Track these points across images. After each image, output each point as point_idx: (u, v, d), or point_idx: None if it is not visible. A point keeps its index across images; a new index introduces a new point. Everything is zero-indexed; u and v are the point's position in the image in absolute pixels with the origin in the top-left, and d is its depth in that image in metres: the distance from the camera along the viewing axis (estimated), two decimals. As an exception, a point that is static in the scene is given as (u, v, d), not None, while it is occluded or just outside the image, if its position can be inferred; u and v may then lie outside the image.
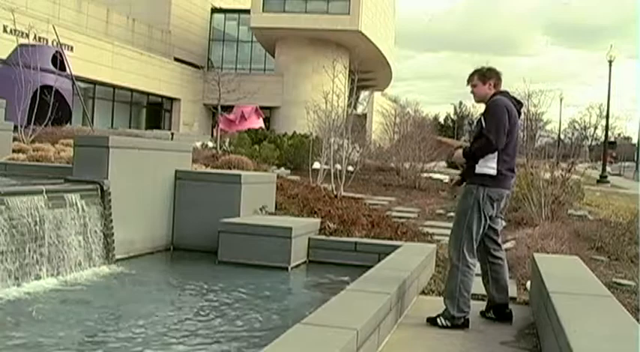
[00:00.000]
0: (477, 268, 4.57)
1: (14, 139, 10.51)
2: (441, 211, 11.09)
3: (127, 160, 6.86)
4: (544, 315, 4.05)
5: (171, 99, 37.54)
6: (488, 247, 4.60)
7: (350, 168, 12.83)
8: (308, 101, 17.20)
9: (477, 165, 4.44)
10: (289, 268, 6.72)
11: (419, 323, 4.50)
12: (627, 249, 7.51)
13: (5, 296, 4.99)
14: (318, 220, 7.72)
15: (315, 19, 35.28)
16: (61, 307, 4.96)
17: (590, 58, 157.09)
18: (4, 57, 17.84)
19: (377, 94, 44.62)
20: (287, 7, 35.94)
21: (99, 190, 6.45)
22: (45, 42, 22.73)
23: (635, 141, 60.11)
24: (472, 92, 4.65)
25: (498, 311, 4.70)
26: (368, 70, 34.08)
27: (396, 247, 6.44)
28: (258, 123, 29.45)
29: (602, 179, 27.32)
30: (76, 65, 22.03)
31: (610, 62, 29.89)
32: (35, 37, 21.59)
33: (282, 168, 15.10)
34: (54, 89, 14.09)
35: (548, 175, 10.54)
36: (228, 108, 27.01)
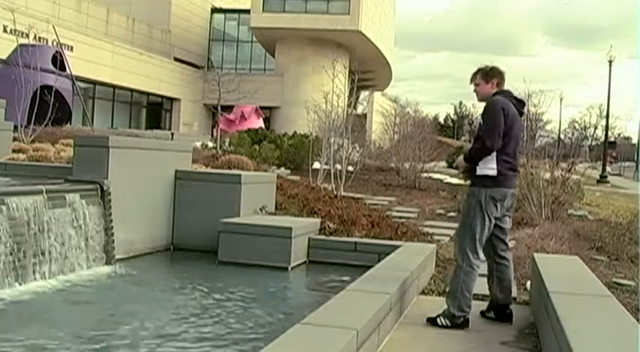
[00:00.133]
0: (482, 269, 4.57)
1: (14, 139, 10.51)
2: (441, 211, 11.09)
3: (127, 160, 6.86)
4: (544, 315, 4.05)
5: (171, 99, 37.56)
6: (496, 247, 4.61)
7: (350, 168, 12.83)
8: (308, 101, 17.19)
9: (477, 167, 4.47)
10: (289, 268, 6.72)
11: (419, 323, 4.50)
12: (627, 249, 7.51)
13: (5, 296, 4.98)
14: (318, 220, 7.72)
15: (315, 19, 35.29)
16: (61, 307, 4.96)
17: (590, 58, 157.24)
18: (4, 57, 17.85)
19: (377, 94, 44.64)
20: (287, 7, 35.95)
21: (99, 190, 6.45)
22: (45, 42, 22.74)
23: (635, 141, 60.13)
24: (475, 91, 4.66)
25: (499, 312, 4.70)
26: (368, 70, 34.09)
27: (396, 247, 6.44)
28: (258, 123, 29.46)
29: (602, 179, 27.33)
30: (76, 65, 22.04)
31: (610, 62, 29.91)
32: (35, 37, 21.60)
33: (282, 168, 15.10)
34: (54, 89, 14.09)
35: (548, 175, 10.55)
36: (228, 108, 27.01)
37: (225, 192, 7.60)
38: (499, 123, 4.37)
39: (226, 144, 17.10)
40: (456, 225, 9.50)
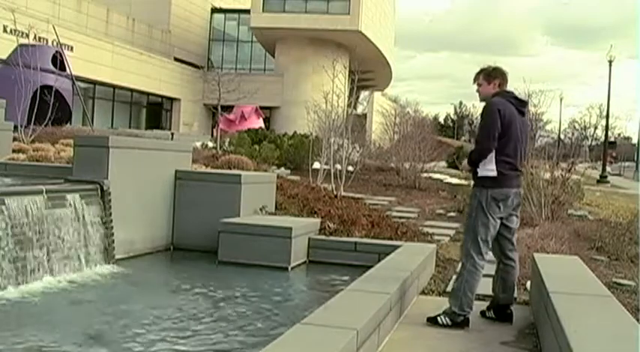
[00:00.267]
0: (486, 270, 4.58)
1: (14, 139, 10.51)
2: (441, 211, 11.09)
3: (127, 160, 6.86)
4: (544, 315, 4.06)
5: (171, 99, 37.56)
6: (503, 247, 4.62)
7: (350, 168, 12.82)
8: (308, 101, 17.19)
9: (478, 169, 4.50)
10: (289, 268, 6.72)
11: (419, 323, 4.50)
12: (627, 249, 7.51)
13: (5, 296, 4.98)
14: (318, 220, 7.72)
15: (315, 19, 35.29)
16: (61, 307, 4.96)
17: (590, 58, 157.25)
18: (4, 57, 17.85)
19: (377, 94, 44.65)
20: (287, 7, 35.95)
21: (99, 190, 6.45)
22: (45, 42, 22.74)
23: (635, 141, 60.16)
24: (477, 91, 4.68)
25: (499, 311, 4.70)
26: (368, 70, 34.10)
27: (396, 247, 6.44)
28: (258, 123, 29.46)
29: (602, 179, 27.34)
30: (76, 65, 22.04)
31: (610, 62, 29.91)
32: (35, 37, 21.60)
33: (282, 168, 15.10)
34: (54, 89, 14.09)
35: (548, 175, 10.55)
36: (228, 108, 27.01)
37: (225, 192, 7.60)
38: (493, 124, 4.40)
39: (226, 144, 17.09)
40: (455, 225, 9.56)
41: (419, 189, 14.47)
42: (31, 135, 11.95)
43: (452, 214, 10.76)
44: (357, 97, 26.95)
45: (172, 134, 23.33)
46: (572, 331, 3.03)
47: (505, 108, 4.45)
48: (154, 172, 7.43)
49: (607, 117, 31.36)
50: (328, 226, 7.58)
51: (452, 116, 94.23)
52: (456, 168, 19.78)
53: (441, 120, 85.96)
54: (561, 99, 38.38)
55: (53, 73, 17.37)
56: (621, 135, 68.50)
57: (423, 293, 5.50)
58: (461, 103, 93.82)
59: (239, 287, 5.76)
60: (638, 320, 3.71)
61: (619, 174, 44.14)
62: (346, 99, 15.16)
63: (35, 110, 13.31)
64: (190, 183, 7.73)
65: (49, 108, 13.38)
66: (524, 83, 11.36)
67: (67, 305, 5.04)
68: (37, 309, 4.84)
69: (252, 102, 28.42)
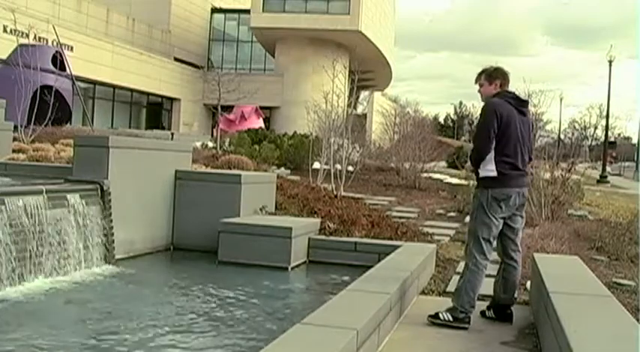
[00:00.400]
0: (488, 270, 4.59)
1: (14, 139, 10.51)
2: (441, 211, 11.09)
3: (127, 160, 6.86)
4: (544, 315, 4.06)
5: (171, 99, 37.57)
6: (506, 247, 4.63)
7: (350, 168, 12.82)
8: (308, 101, 17.18)
9: (479, 170, 4.52)
10: (289, 268, 6.72)
11: (419, 323, 4.50)
12: (627, 249, 7.51)
13: (5, 296, 4.98)
14: (318, 220, 7.72)
15: (315, 19, 35.30)
16: (61, 307, 4.96)
17: (590, 58, 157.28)
18: (4, 57, 17.85)
19: (377, 94, 44.65)
20: (287, 7, 35.96)
21: (99, 190, 6.45)
22: (45, 42, 22.74)
23: (635, 141, 60.17)
24: (479, 92, 4.68)
25: (499, 311, 4.71)
26: (368, 70, 34.10)
27: (396, 247, 6.43)
28: (258, 123, 29.46)
29: (602, 179, 27.34)
30: (76, 65, 22.04)
31: (610, 62, 29.92)
32: (35, 37, 21.60)
33: (282, 168, 15.10)
34: (54, 89, 14.09)
35: (548, 175, 10.55)
36: (228, 108, 27.01)
37: (225, 192, 7.60)
38: (489, 125, 4.42)
39: (226, 144, 17.09)
40: (456, 224, 9.57)
41: (419, 189, 14.46)
42: (31, 135, 11.95)
43: (452, 214, 10.76)
44: (357, 97, 26.94)
45: (172, 134, 23.34)
46: (572, 331, 3.03)
47: (503, 109, 4.45)
48: (154, 172, 7.43)
49: (607, 117, 31.38)
50: (328, 226, 7.58)
51: (452, 116, 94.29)
52: (456, 168, 19.77)
53: (441, 120, 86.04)
54: (561, 99, 38.41)
55: (53, 73, 17.37)
56: (621, 135, 68.54)
57: (423, 293, 5.50)
58: (461, 103, 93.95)
59: (239, 288, 5.76)
60: (638, 320, 3.71)
61: (619, 174, 44.14)
62: (346, 99, 15.16)
63: (35, 110, 13.31)
64: (190, 183, 7.73)
65: (49, 108, 13.38)
66: (524, 83, 11.36)
67: (67, 305, 5.05)
68: (37, 309, 4.83)
69: (252, 102, 28.42)
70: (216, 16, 42.98)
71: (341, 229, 7.53)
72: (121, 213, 6.65)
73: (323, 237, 7.34)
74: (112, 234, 6.49)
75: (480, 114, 4.58)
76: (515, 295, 4.75)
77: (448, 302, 4.63)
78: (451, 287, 5.49)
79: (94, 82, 30.12)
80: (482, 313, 4.75)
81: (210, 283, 5.88)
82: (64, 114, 16.97)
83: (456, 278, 5.76)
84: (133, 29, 36.02)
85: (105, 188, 6.48)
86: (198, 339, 4.23)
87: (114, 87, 32.12)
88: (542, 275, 4.49)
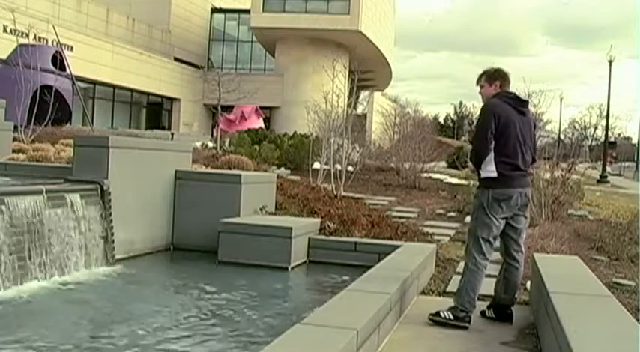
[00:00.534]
0: (489, 270, 4.60)
1: (14, 139, 10.51)
2: (441, 211, 11.08)
3: (127, 160, 6.86)
4: (544, 315, 4.06)
5: (171, 99, 37.57)
6: (508, 247, 4.63)
7: (350, 168, 12.82)
8: (308, 101, 17.18)
9: (480, 170, 4.54)
10: (289, 268, 6.72)
11: (419, 323, 4.50)
12: (627, 249, 7.51)
13: (5, 296, 4.98)
14: (318, 220, 7.71)
15: (315, 19, 35.30)
16: (61, 307, 4.96)
17: (590, 58, 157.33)
18: (4, 57, 17.85)
19: (377, 94, 44.64)
20: (287, 7, 35.96)
21: (99, 190, 6.45)
22: (45, 42, 22.74)
23: (635, 141, 60.17)
24: (480, 93, 4.70)
25: (499, 311, 4.71)
26: (368, 70, 34.10)
27: (396, 247, 6.43)
28: (258, 123, 29.46)
29: (602, 179, 27.34)
30: (76, 65, 22.04)
31: (610, 62, 29.92)
32: (35, 37, 21.60)
33: (282, 168, 15.10)
34: (54, 89, 14.08)
35: (548, 175, 10.54)
36: (228, 108, 27.01)
37: (225, 192, 7.60)
38: (486, 125, 4.44)
39: (226, 144, 17.09)
40: (456, 224, 9.57)
41: (419, 189, 14.46)
42: (31, 135, 11.95)
43: (452, 214, 10.76)
44: (357, 97, 26.94)
45: (172, 134, 23.34)
46: (572, 331, 3.03)
47: (500, 109, 4.46)
48: (154, 172, 7.43)
49: (607, 117, 31.37)
50: (328, 226, 7.58)
51: (452, 116, 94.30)
52: (456, 168, 19.78)
53: (441, 120, 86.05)
54: (561, 99, 38.39)
55: (53, 73, 17.37)
56: (621, 135, 68.52)
57: (423, 293, 5.50)
58: (461, 103, 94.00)
59: (239, 288, 5.76)
60: (638, 320, 3.71)
61: (619, 174, 44.14)
62: (346, 99, 15.16)
63: (35, 110, 13.30)
64: (190, 183, 7.73)
65: (49, 108, 13.38)
66: (524, 83, 11.36)
67: (67, 305, 5.05)
68: (37, 309, 4.84)
69: (252, 102, 28.41)
70: (216, 16, 42.99)
71: (341, 229, 7.53)
72: (121, 213, 6.65)
73: (323, 237, 7.34)
74: (112, 234, 6.49)
75: (479, 116, 4.61)
76: (516, 295, 4.75)
77: (448, 302, 4.64)
78: (451, 287, 5.50)
79: (94, 82, 30.12)
80: (483, 313, 4.75)
81: (210, 283, 5.88)
82: (64, 114, 16.97)
83: (456, 278, 5.76)
84: (133, 29, 36.02)
85: (105, 188, 6.48)
86: (198, 339, 4.23)
87: (114, 87, 32.12)
88: (542, 275, 4.49)
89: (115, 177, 6.61)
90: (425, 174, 16.27)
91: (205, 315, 4.82)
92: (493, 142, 4.44)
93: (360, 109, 31.94)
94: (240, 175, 7.82)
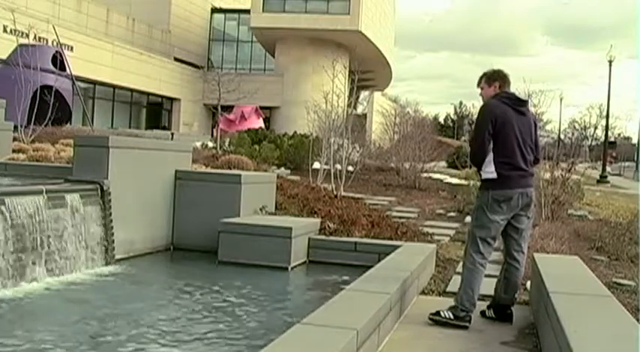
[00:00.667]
0: (489, 270, 4.61)
1: (14, 139, 10.51)
2: (441, 211, 11.09)
3: (127, 160, 6.86)
4: (544, 315, 4.06)
5: (171, 99, 37.57)
6: (509, 247, 4.64)
7: (350, 168, 12.82)
8: (308, 101, 17.19)
9: (481, 171, 4.56)
10: (289, 268, 6.72)
11: (419, 323, 4.50)
12: (627, 249, 7.51)
13: (5, 296, 4.98)
14: (318, 220, 7.71)
15: (315, 19, 35.30)
16: (61, 307, 4.96)
17: (590, 58, 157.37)
18: (4, 57, 17.85)
19: (377, 94, 44.66)
20: (287, 7, 35.96)
21: (99, 190, 6.45)
22: (45, 42, 22.74)
23: (635, 141, 60.17)
24: (480, 95, 4.72)
25: (499, 311, 4.71)
26: (368, 70, 34.10)
27: (396, 247, 6.43)
28: (258, 123, 29.47)
29: (602, 179, 27.35)
30: (76, 65, 22.04)
31: (610, 62, 29.93)
32: (35, 37, 21.60)
33: (282, 168, 15.10)
34: (54, 89, 14.08)
35: (548, 175, 10.54)
36: (228, 108, 27.01)
37: (225, 192, 7.60)
38: (482, 126, 4.46)
39: (226, 144, 17.09)
40: (456, 224, 9.57)
41: (419, 189, 14.47)
42: (31, 135, 11.94)
43: (452, 214, 10.76)
44: (357, 97, 26.95)
45: (172, 134, 23.34)
46: (572, 331, 3.03)
47: (498, 109, 4.46)
48: (154, 172, 7.43)
49: (607, 117, 31.39)
50: (328, 226, 7.58)
51: (452, 116, 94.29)
52: (456, 168, 19.78)
53: (441, 120, 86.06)
54: (561, 99, 38.44)
55: (53, 73, 17.37)
56: (621, 135, 68.56)
57: (423, 293, 5.50)
58: (461, 103, 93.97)
59: (239, 288, 5.76)
60: (638, 320, 3.71)
61: (619, 174, 44.14)
62: (346, 99, 15.16)
63: (35, 110, 13.30)
64: (190, 183, 7.73)
65: (49, 108, 13.38)
66: (524, 83, 11.37)
67: (67, 305, 5.04)
68: (37, 309, 4.83)
69: (252, 102, 28.42)
70: (216, 16, 42.98)
71: (341, 229, 7.53)
72: (121, 213, 6.65)
73: (323, 237, 7.34)
74: (112, 234, 6.49)
75: (477, 117, 4.65)
76: (516, 295, 4.75)
77: (448, 302, 4.64)
78: (451, 287, 5.50)
79: (94, 82, 30.12)
80: (483, 313, 4.75)
81: (210, 283, 5.88)
82: (64, 114, 16.97)
83: (456, 278, 5.76)
84: (133, 29, 36.02)
85: (105, 188, 6.48)
86: (199, 339, 4.23)
87: (114, 87, 32.12)
88: (542, 275, 4.49)
89: (115, 177, 6.61)
90: (425, 174, 16.28)
91: (205, 315, 4.82)
92: (491, 143, 4.44)
93: (360, 109, 31.98)
94: (240, 175, 7.82)
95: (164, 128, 33.39)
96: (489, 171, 4.47)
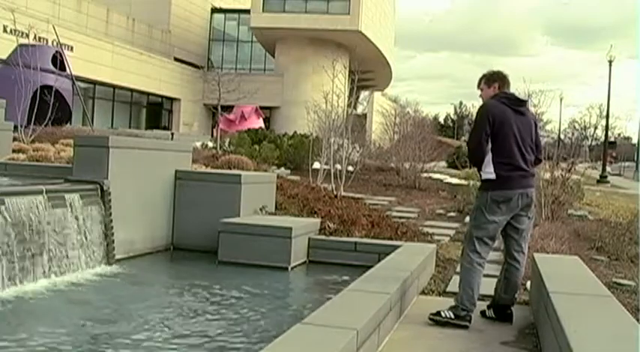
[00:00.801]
0: (489, 270, 4.62)
1: (14, 139, 10.51)
2: (441, 211, 11.09)
3: (127, 160, 6.86)
4: (544, 315, 4.06)
5: (171, 99, 37.57)
6: (510, 247, 4.65)
7: (350, 168, 12.82)
8: (308, 101, 17.19)
9: (481, 172, 4.56)
10: (289, 268, 6.72)
11: (419, 323, 4.50)
12: (627, 249, 7.51)
13: (5, 296, 4.98)
14: (318, 220, 7.71)
15: (315, 19, 35.30)
16: (61, 307, 4.96)
17: (590, 58, 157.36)
18: (4, 57, 17.85)
19: (377, 94, 44.65)
20: (287, 7, 35.97)
21: (99, 190, 6.45)
22: (45, 42, 22.75)
23: (635, 141, 60.17)
24: (480, 96, 4.73)
25: (499, 311, 4.71)
26: (368, 70, 34.10)
27: (396, 247, 6.43)
28: (258, 123, 29.47)
29: (602, 179, 27.35)
30: (76, 65, 22.04)
31: (610, 62, 29.93)
32: (35, 37, 21.61)
33: (282, 168, 15.10)
34: (54, 89, 14.09)
35: (548, 175, 10.54)
36: (228, 108, 27.01)
37: (225, 192, 7.60)
38: (479, 127, 4.47)
39: (226, 144, 17.09)
40: (456, 224, 9.57)
41: (419, 189, 14.47)
42: (31, 135, 11.95)
43: (452, 214, 10.76)
44: (357, 97, 26.95)
45: (172, 134, 23.35)
46: (572, 331, 3.03)
47: (495, 109, 4.46)
48: (154, 172, 7.43)
49: (607, 117, 31.38)
50: (328, 226, 7.58)
51: (452, 116, 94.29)
52: (456, 168, 19.78)
53: (441, 120, 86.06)
54: (561, 99, 38.42)
55: (53, 73, 17.38)
56: (621, 135, 68.54)
57: (423, 293, 5.50)
58: (461, 103, 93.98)
59: (239, 288, 5.76)
60: (638, 320, 3.71)
61: (619, 174, 44.14)
62: (346, 99, 15.16)
63: (35, 110, 13.31)
64: (190, 183, 7.73)
65: (49, 108, 13.38)
66: (524, 83, 11.37)
67: (67, 305, 5.04)
68: (37, 309, 4.83)
69: (252, 102, 28.42)
70: (216, 16, 42.98)
71: (341, 229, 7.53)
72: (121, 213, 6.65)
73: (323, 237, 7.34)
74: (112, 234, 6.49)
75: (475, 117, 4.67)
76: (516, 295, 4.75)
77: (448, 302, 4.64)
78: (451, 287, 5.50)
79: (94, 82, 30.12)
80: (483, 313, 4.76)
81: (210, 283, 5.88)
82: (64, 114, 16.97)
83: (456, 278, 5.75)
84: (133, 29, 36.02)
85: (105, 188, 6.48)
86: (199, 339, 4.23)
87: (114, 87, 32.12)
88: (542, 275, 4.49)
89: (115, 177, 6.61)
90: (425, 174, 16.28)
91: (205, 315, 4.82)
92: (489, 143, 4.44)
93: (360, 109, 31.98)
94: (240, 175, 7.82)
95: (164, 128, 33.39)
96: (489, 171, 4.47)
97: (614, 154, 56.26)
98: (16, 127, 11.20)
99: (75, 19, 30.96)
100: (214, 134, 26.14)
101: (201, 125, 38.08)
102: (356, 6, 35.18)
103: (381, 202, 11.83)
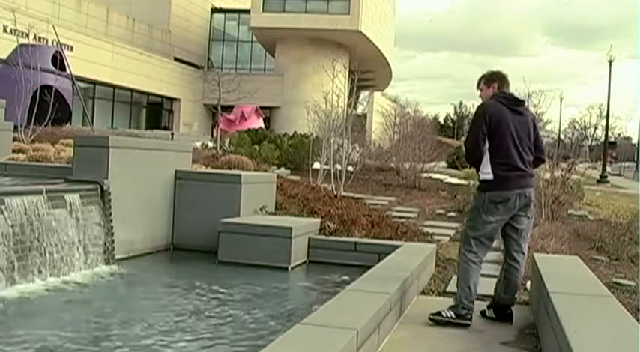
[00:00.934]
0: (489, 270, 4.62)
1: (14, 139, 10.51)
2: (441, 211, 11.09)
3: (127, 160, 6.86)
4: (544, 315, 4.06)
5: (171, 99, 37.57)
6: (509, 248, 4.65)
7: (350, 168, 12.82)
8: (308, 101, 17.19)
9: (479, 173, 4.56)
10: (289, 268, 6.72)
11: (419, 323, 4.50)
12: (627, 249, 7.51)
13: (5, 296, 4.98)
14: (318, 220, 7.72)
15: (315, 19, 35.30)
16: (61, 307, 4.96)
17: (590, 58, 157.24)
18: (4, 57, 17.85)
19: (377, 94, 44.65)
20: (287, 7, 35.97)
21: (99, 190, 6.45)
22: (45, 42, 22.75)
23: (635, 141, 60.18)
24: (480, 96, 4.73)
25: (499, 311, 4.71)
26: (368, 70, 34.11)
27: (396, 247, 6.43)
28: (258, 123, 29.47)
29: (602, 179, 27.36)
30: (76, 65, 22.04)
31: (610, 62, 29.94)
32: (35, 37, 21.61)
33: (282, 168, 15.09)
34: (54, 89, 14.09)
35: (548, 175, 10.54)
36: (228, 108, 27.01)
37: (225, 192, 7.60)
38: (476, 127, 4.48)
39: (226, 144, 17.09)
40: (456, 224, 9.57)
41: (419, 189, 14.46)
42: (31, 135, 11.95)
43: (452, 214, 10.76)
44: (357, 97, 26.97)
45: (172, 134, 23.35)
46: (572, 331, 3.03)
47: (493, 109, 4.47)
48: (154, 172, 7.43)
49: (607, 117, 31.42)
50: (328, 226, 7.58)
51: (452, 116, 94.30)
52: (456, 168, 19.78)
53: (441, 120, 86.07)
54: (561, 99, 38.47)
55: (53, 73, 17.38)
56: (621, 135, 68.63)
57: (423, 293, 5.50)
58: (461, 103, 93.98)
59: (239, 288, 5.76)
60: (638, 320, 3.71)
61: (619, 174, 44.12)
62: (346, 99, 15.16)
63: (35, 110, 13.31)
64: (190, 183, 7.73)
65: (49, 108, 13.38)
66: (524, 83, 11.38)
67: (67, 305, 5.04)
68: (37, 309, 4.84)
69: (252, 102, 28.42)
70: (216, 16, 42.99)
71: (341, 229, 7.53)
72: (121, 213, 6.65)
73: (323, 237, 7.34)
74: (112, 234, 6.49)
75: (472, 117, 4.68)
76: (516, 295, 4.75)
77: (448, 302, 4.64)
78: (451, 287, 5.49)
79: (94, 82, 30.12)
80: (483, 313, 4.76)
81: (210, 283, 5.88)
82: (64, 114, 16.97)
83: (455, 277, 5.76)
84: (133, 29, 36.03)
85: (105, 188, 6.48)
86: (199, 339, 4.23)
87: (114, 87, 32.12)
88: (542, 275, 4.49)
89: (115, 177, 6.61)
90: (425, 174, 16.27)
91: (205, 315, 4.82)
92: (486, 143, 4.44)
93: (360, 109, 32.01)
94: (240, 175, 7.82)
95: (164, 128, 33.39)
96: (486, 171, 4.47)
97: (614, 154, 56.29)
98: (16, 127, 11.20)
99: (75, 19, 30.97)
100: (214, 134, 26.14)
101: (201, 125, 38.08)
102: (356, 6, 35.18)
103: (381, 202, 11.83)
